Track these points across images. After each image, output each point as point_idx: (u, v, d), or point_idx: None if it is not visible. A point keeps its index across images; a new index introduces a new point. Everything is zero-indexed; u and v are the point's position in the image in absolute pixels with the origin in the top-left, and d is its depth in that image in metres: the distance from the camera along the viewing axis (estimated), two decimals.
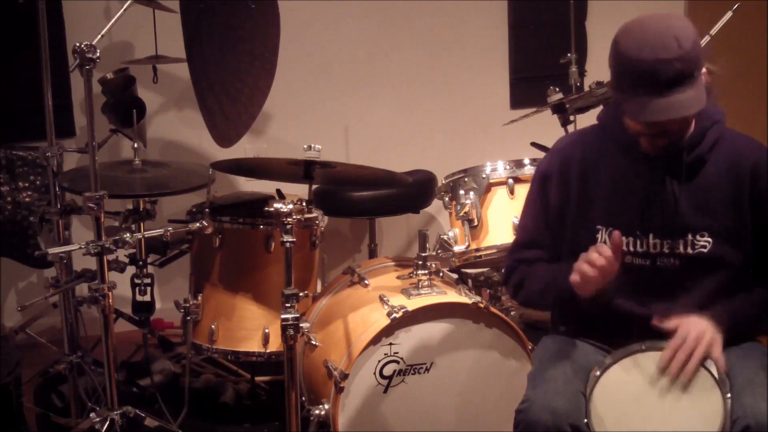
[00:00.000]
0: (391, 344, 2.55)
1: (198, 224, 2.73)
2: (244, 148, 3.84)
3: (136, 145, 2.99)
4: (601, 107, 2.74)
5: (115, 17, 2.61)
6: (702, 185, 2.06)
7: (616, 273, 1.98)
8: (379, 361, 2.55)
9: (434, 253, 2.78)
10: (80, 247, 2.48)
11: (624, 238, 2.08)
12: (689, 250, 2.06)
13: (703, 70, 1.95)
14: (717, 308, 2.02)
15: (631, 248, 2.08)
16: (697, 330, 1.96)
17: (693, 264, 2.07)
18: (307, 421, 2.58)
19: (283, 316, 2.34)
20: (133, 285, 3.09)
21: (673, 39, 1.88)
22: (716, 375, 1.95)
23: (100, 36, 2.50)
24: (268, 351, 2.87)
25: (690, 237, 2.06)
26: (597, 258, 1.95)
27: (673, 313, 2.02)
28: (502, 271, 2.34)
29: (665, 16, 1.95)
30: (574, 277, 1.98)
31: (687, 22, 1.94)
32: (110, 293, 2.49)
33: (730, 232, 2.06)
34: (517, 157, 2.94)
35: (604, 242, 2.09)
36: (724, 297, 2.06)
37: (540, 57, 4.21)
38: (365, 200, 3.56)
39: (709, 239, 2.05)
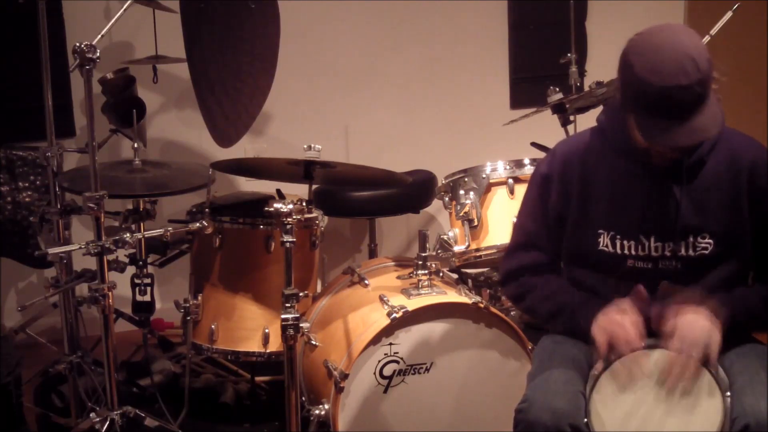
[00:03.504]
0: (391, 344, 2.55)
1: (198, 224, 2.73)
2: (244, 148, 3.84)
3: (136, 145, 2.99)
4: (601, 107, 2.74)
5: (115, 17, 2.61)
6: (702, 186, 2.06)
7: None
8: (379, 361, 2.55)
9: (434, 253, 2.78)
10: (80, 247, 2.48)
11: (625, 242, 2.08)
12: (691, 252, 2.06)
13: None
14: (717, 298, 2.02)
15: (633, 252, 2.08)
16: (693, 333, 1.95)
17: (695, 266, 2.07)
18: (307, 421, 2.58)
19: (283, 316, 2.34)
20: (133, 285, 3.09)
21: (691, 61, 1.85)
22: (716, 374, 1.95)
23: (100, 36, 2.51)
24: (268, 351, 2.87)
25: (691, 239, 2.06)
26: (634, 343, 1.97)
27: (672, 306, 2.01)
28: (500, 273, 2.34)
29: (675, 31, 1.92)
30: (602, 348, 1.99)
31: (695, 36, 1.92)
32: (110, 293, 2.49)
33: (731, 233, 2.06)
34: (517, 157, 2.94)
35: (606, 246, 2.09)
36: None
37: (540, 57, 4.20)
38: (365, 200, 3.56)
39: (710, 241, 2.05)
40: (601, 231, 2.10)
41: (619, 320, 2.00)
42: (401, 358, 2.56)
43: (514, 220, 2.31)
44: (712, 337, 1.95)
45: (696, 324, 1.96)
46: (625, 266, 2.09)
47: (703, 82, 1.87)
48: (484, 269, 3.44)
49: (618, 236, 2.08)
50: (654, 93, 1.87)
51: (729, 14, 2.93)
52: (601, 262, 2.10)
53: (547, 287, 2.19)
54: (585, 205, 2.12)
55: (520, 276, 2.22)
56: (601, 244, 2.10)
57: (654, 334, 2.01)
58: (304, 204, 2.51)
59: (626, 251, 2.08)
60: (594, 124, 2.19)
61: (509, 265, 2.25)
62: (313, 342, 2.70)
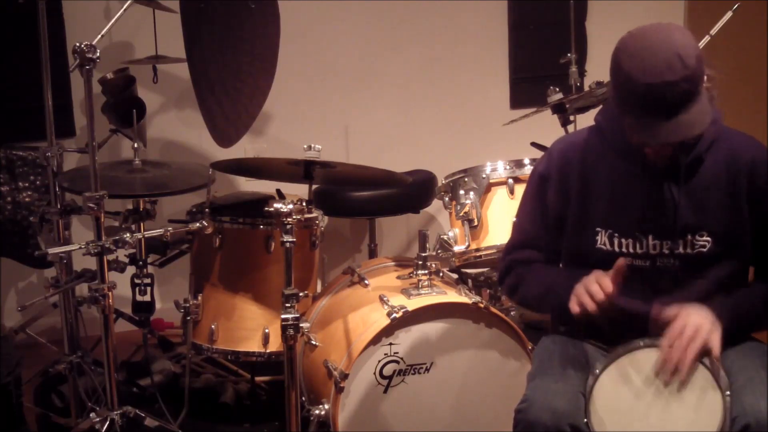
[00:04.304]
0: (391, 344, 2.55)
1: (198, 224, 2.73)
2: (244, 148, 3.84)
3: (136, 145, 2.99)
4: (600, 107, 2.73)
5: (115, 17, 2.62)
6: (700, 185, 2.06)
7: (613, 306, 1.99)
8: (379, 361, 2.55)
9: (434, 253, 2.78)
10: (80, 247, 2.48)
11: (623, 240, 2.08)
12: (689, 250, 2.06)
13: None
14: (717, 301, 2.02)
15: (631, 250, 2.08)
16: (694, 322, 1.95)
17: (693, 264, 2.07)
18: (307, 421, 2.58)
19: (283, 316, 2.34)
20: (133, 285, 3.09)
21: (678, 58, 1.86)
22: (716, 373, 1.95)
23: (100, 36, 2.51)
24: (268, 351, 2.87)
25: (689, 237, 2.06)
26: (597, 292, 1.96)
27: (672, 303, 2.02)
28: (497, 272, 2.34)
29: (665, 29, 1.93)
30: (574, 308, 1.99)
31: (687, 34, 1.92)
32: (110, 293, 2.49)
33: (729, 231, 2.06)
34: (517, 157, 2.94)
35: (604, 245, 2.09)
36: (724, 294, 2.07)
37: (540, 57, 4.21)
38: (365, 200, 3.56)
39: (709, 239, 2.05)
40: (598, 229, 2.10)
41: (587, 282, 2.00)
42: (401, 358, 2.56)
43: (515, 220, 2.32)
44: (712, 334, 1.95)
45: (695, 321, 1.96)
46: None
47: (691, 79, 1.87)
48: (484, 269, 3.44)
49: (616, 234, 2.09)
50: (640, 90, 1.88)
51: (729, 14, 2.93)
52: (599, 260, 2.10)
53: (537, 272, 2.20)
54: (583, 204, 2.13)
55: (515, 268, 2.23)
56: (599, 242, 2.10)
57: (653, 333, 2.02)
58: (304, 204, 2.51)
59: (624, 249, 2.08)
60: (591, 124, 2.20)
61: (505, 261, 2.26)
62: (313, 342, 2.71)
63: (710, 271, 2.07)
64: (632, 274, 2.07)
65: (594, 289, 1.97)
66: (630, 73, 1.88)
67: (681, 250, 2.06)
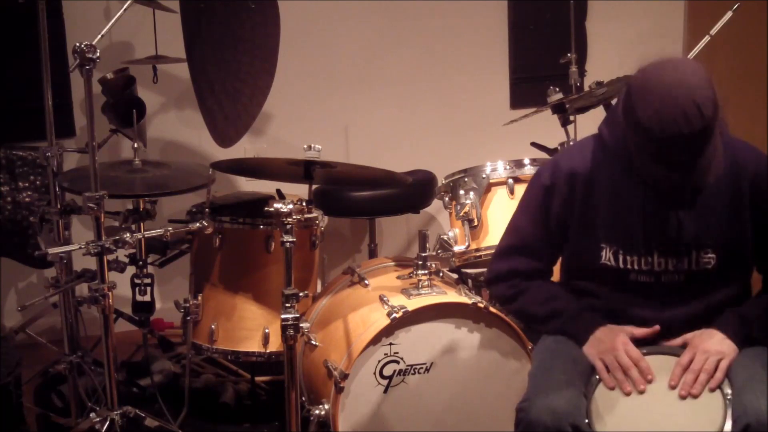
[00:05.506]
0: (391, 344, 2.55)
1: (198, 224, 2.73)
2: (244, 148, 3.84)
3: (136, 145, 2.99)
4: (601, 108, 2.73)
5: (115, 17, 2.62)
6: (704, 200, 2.04)
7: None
8: (379, 361, 2.55)
9: (434, 253, 2.78)
10: (80, 247, 2.48)
11: (628, 257, 2.07)
12: (694, 267, 2.05)
13: None
14: (729, 319, 2.02)
15: (636, 266, 2.07)
16: (706, 347, 1.96)
17: (698, 279, 2.06)
18: (307, 421, 2.58)
19: (283, 316, 2.34)
20: (133, 285, 3.09)
21: (695, 107, 1.83)
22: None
23: (100, 36, 2.51)
24: (268, 351, 2.87)
25: (694, 254, 2.05)
26: (638, 379, 1.98)
27: (679, 322, 2.02)
28: (488, 272, 2.33)
29: (680, 70, 1.88)
30: (599, 368, 2.01)
31: (701, 73, 1.88)
32: (110, 293, 2.49)
33: (734, 246, 2.05)
34: (517, 157, 2.94)
35: (609, 261, 2.08)
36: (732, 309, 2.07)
37: (540, 57, 4.21)
38: (365, 200, 3.56)
39: (713, 254, 2.04)
40: (603, 245, 2.09)
41: (611, 345, 2.02)
42: (401, 358, 2.56)
43: (509, 224, 2.31)
44: (725, 350, 1.96)
45: (709, 336, 1.97)
46: (628, 280, 2.08)
47: (708, 128, 1.86)
48: (484, 269, 3.43)
49: (621, 251, 2.07)
50: (656, 140, 1.87)
51: (729, 14, 2.93)
52: (603, 275, 2.10)
53: (542, 291, 2.19)
54: (587, 219, 2.11)
55: (512, 278, 2.22)
56: (604, 258, 2.09)
57: (653, 342, 2.02)
58: (304, 204, 2.51)
59: (629, 266, 2.07)
60: (593, 123, 2.18)
61: (501, 265, 2.25)
62: (313, 342, 2.70)
63: (714, 286, 2.07)
64: (637, 290, 2.07)
65: (634, 377, 1.98)
66: (645, 122, 1.87)
67: (686, 266, 2.05)
